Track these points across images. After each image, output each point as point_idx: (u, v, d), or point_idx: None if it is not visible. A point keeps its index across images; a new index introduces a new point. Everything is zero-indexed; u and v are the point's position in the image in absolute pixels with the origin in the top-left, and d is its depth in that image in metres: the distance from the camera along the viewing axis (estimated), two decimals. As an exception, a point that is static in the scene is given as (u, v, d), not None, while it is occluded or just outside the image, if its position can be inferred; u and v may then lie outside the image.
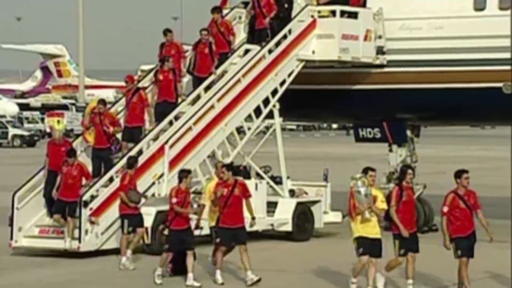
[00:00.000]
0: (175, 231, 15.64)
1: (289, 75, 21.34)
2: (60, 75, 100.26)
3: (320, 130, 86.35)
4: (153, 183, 19.16)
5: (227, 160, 20.71)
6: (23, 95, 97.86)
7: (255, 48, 21.18)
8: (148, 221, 18.58)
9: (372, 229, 14.34)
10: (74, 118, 72.10)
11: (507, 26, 21.23)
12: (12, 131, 64.50)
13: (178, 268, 15.93)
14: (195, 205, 16.21)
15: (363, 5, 22.06)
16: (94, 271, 17.16)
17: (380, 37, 22.03)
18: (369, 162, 33.64)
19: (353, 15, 21.85)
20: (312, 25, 21.60)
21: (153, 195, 19.19)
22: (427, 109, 22.28)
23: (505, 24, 21.19)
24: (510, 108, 21.47)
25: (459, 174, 14.20)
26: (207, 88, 20.29)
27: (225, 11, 22.59)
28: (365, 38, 21.84)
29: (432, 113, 22.64)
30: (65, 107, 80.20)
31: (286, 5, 21.36)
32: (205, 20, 22.61)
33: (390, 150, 22.86)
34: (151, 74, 20.64)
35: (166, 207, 19.01)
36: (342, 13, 21.75)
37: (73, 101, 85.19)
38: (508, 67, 21.15)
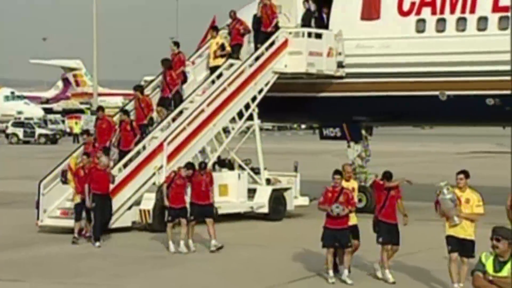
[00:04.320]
0: (331, 229, 13.20)
1: (266, 84, 21.33)
2: (77, 84, 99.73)
3: (291, 130, 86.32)
4: (154, 174, 19.11)
5: (215, 155, 20.73)
6: (47, 101, 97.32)
7: (237, 62, 21.21)
8: (150, 205, 18.55)
9: (461, 230, 11.90)
10: (89, 120, 71.89)
11: (441, 45, 21.34)
12: (38, 131, 64.25)
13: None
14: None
15: (326, 27, 22.10)
16: (107, 245, 17.07)
17: (340, 53, 22.05)
18: (332, 156, 33.68)
19: (318, 36, 21.91)
20: (284, 44, 21.61)
21: (154, 183, 19.15)
22: (378, 112, 22.31)
23: (439, 43, 21.28)
24: (445, 112, 21.58)
25: None
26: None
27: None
28: (328, 55, 21.87)
29: (382, 116, 22.67)
30: (81, 111, 79.94)
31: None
32: (199, 38, 22.52)
33: (348, 146, 22.87)
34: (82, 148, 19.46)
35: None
36: (309, 34, 21.81)
37: (88, 106, 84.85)
38: (442, 78, 21.25)
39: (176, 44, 21.16)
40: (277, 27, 21.58)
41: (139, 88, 20.50)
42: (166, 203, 16.33)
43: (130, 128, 19.41)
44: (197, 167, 16.62)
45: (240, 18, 21.96)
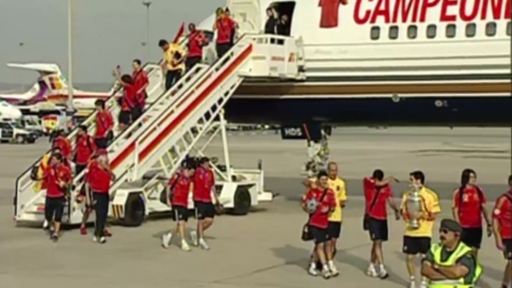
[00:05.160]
0: (314, 227, 12.86)
1: (232, 87, 21.36)
2: (53, 87, 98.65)
3: (256, 130, 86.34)
4: (126, 171, 19.01)
5: (184, 154, 20.69)
6: (24, 102, 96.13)
7: (204, 66, 21.21)
8: (122, 200, 18.46)
9: (417, 229, 11.66)
10: (64, 120, 71.33)
11: (394, 51, 21.56)
12: (16, 130, 63.50)
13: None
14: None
15: (287, 34, 22.20)
16: (80, 239, 16.97)
17: (300, 58, 22.15)
18: (293, 155, 33.76)
19: (280, 42, 21.99)
20: (249, 49, 21.65)
21: (126, 180, 19.05)
22: (336, 113, 22.45)
23: (392, 49, 21.48)
24: (398, 113, 21.79)
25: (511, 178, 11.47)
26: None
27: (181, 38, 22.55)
28: (289, 59, 21.95)
29: (340, 117, 22.81)
30: (57, 112, 79.25)
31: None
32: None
33: (309, 145, 22.98)
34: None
35: (136, 190, 19.03)
36: (272, 40, 21.88)
37: (63, 108, 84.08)
38: (394, 82, 21.45)
39: (138, 62, 20.94)
40: (232, 38, 21.40)
41: (101, 103, 20.31)
42: (169, 203, 15.68)
43: (87, 143, 19.06)
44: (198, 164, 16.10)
45: (199, 30, 21.99)
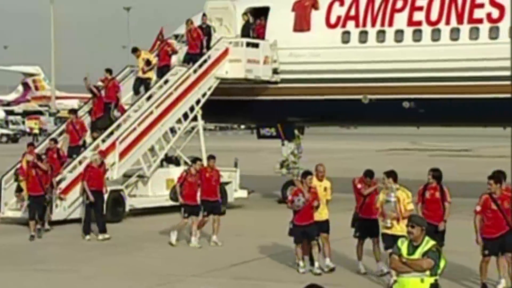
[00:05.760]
0: (299, 226, 12.63)
1: (209, 89, 21.34)
2: (37, 88, 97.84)
3: (232, 130, 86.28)
4: (107, 170, 18.87)
5: (163, 153, 20.62)
6: (8, 104, 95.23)
7: (182, 69, 21.17)
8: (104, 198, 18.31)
9: (393, 228, 11.49)
10: (47, 121, 70.88)
11: (364, 54, 21.68)
12: (0, 131, 62.85)
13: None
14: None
15: (262, 37, 22.23)
16: (63, 234, 16.85)
17: (275, 61, 22.19)
18: (268, 153, 33.86)
19: (255, 45, 22.01)
20: (225, 52, 21.65)
21: (107, 178, 18.91)
22: (309, 114, 22.52)
23: (362, 52, 21.60)
24: (367, 113, 21.92)
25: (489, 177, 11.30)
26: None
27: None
28: (264, 62, 21.98)
29: (312, 117, 22.89)
30: (40, 113, 78.69)
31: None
32: (148, 46, 22.30)
33: (283, 145, 23.01)
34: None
35: (117, 187, 18.94)
36: (248, 44, 21.90)
37: (46, 109, 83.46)
38: (364, 84, 21.56)
39: (109, 71, 20.70)
40: (202, 49, 21.26)
41: (74, 112, 20.07)
42: (181, 200, 15.34)
43: (57, 156, 18.53)
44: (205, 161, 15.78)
45: (176, 35, 21.90)
